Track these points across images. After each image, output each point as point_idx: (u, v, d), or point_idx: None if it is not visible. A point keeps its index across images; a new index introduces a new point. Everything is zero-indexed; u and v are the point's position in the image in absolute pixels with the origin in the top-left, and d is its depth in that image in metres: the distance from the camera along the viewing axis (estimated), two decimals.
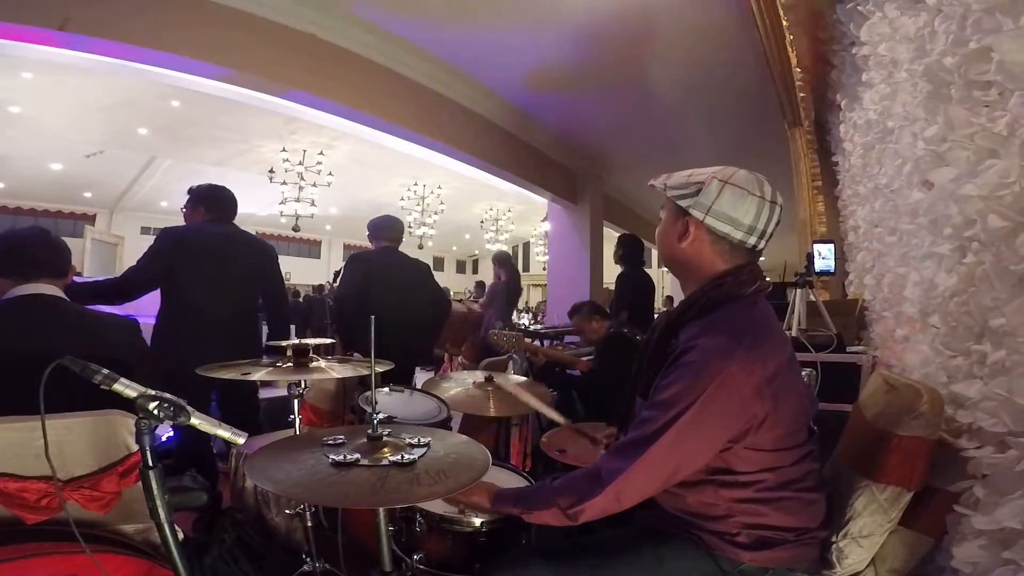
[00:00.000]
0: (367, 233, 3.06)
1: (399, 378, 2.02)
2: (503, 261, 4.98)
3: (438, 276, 3.26)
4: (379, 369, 1.64)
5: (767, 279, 1.04)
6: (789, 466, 0.97)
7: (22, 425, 1.06)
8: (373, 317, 1.18)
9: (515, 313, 6.39)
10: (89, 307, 1.62)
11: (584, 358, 2.95)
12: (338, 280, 2.98)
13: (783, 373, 0.94)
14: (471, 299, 7.73)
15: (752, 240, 0.99)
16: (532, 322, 8.93)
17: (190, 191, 2.51)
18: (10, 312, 1.42)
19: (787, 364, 0.97)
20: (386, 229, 3.02)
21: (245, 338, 2.34)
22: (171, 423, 0.84)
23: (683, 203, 1.01)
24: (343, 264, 3.00)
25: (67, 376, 0.79)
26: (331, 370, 1.62)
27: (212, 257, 2.28)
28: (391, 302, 2.77)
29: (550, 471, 1.68)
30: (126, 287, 2.22)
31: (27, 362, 0.81)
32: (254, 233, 2.63)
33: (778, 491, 0.96)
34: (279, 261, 2.63)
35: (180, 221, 2.55)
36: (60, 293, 1.50)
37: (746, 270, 1.00)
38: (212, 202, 2.45)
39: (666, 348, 1.02)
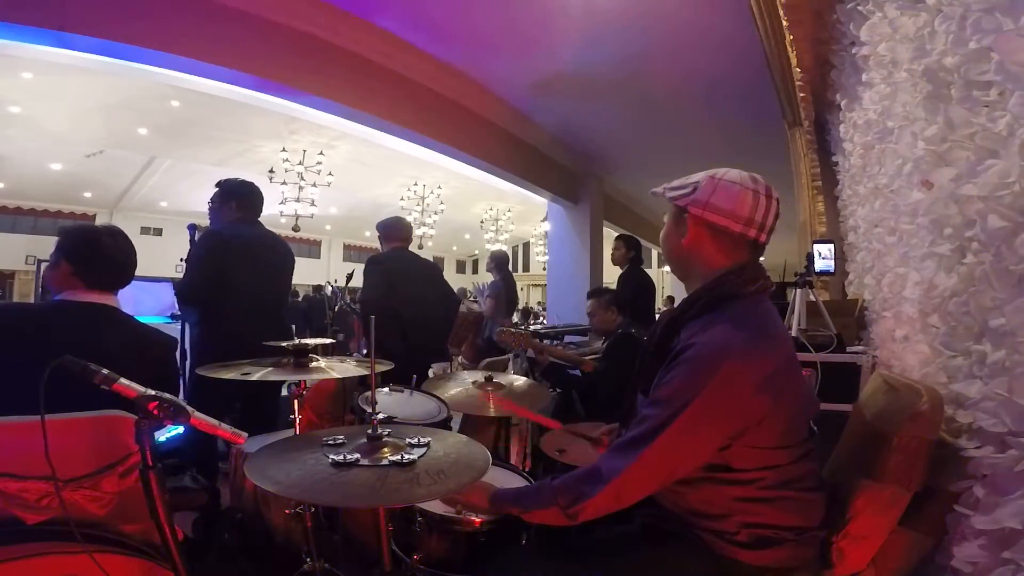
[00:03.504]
0: (378, 234, 3.08)
1: (421, 376, 2.05)
2: (498, 263, 5.01)
3: None
4: (379, 369, 1.64)
5: (770, 279, 1.04)
6: (788, 465, 0.97)
7: (22, 424, 1.06)
8: (373, 317, 1.19)
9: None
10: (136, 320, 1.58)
11: (588, 358, 2.95)
12: (349, 281, 3.00)
13: (783, 372, 0.94)
14: (471, 299, 7.72)
15: (752, 232, 1.00)
16: (533, 321, 8.92)
17: (219, 184, 2.51)
18: (76, 314, 1.38)
19: (787, 363, 0.98)
20: (397, 230, 3.04)
21: (277, 337, 2.38)
22: (171, 423, 0.84)
23: (681, 202, 1.03)
24: (355, 267, 3.03)
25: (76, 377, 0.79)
26: (331, 370, 1.62)
27: (253, 260, 2.32)
28: (412, 303, 2.81)
29: (550, 471, 1.68)
30: (188, 297, 2.27)
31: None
32: None
33: (777, 490, 0.96)
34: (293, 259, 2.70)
35: (181, 221, 2.58)
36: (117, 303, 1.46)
37: (748, 269, 1.01)
38: (245, 199, 2.46)
39: (668, 345, 1.02)
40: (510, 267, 5.21)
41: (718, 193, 0.99)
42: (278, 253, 2.51)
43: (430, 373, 2.84)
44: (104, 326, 1.38)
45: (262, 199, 2.55)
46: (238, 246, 2.31)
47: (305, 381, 1.70)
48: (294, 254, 2.72)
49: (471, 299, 7.64)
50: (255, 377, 1.54)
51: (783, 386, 0.94)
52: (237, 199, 2.45)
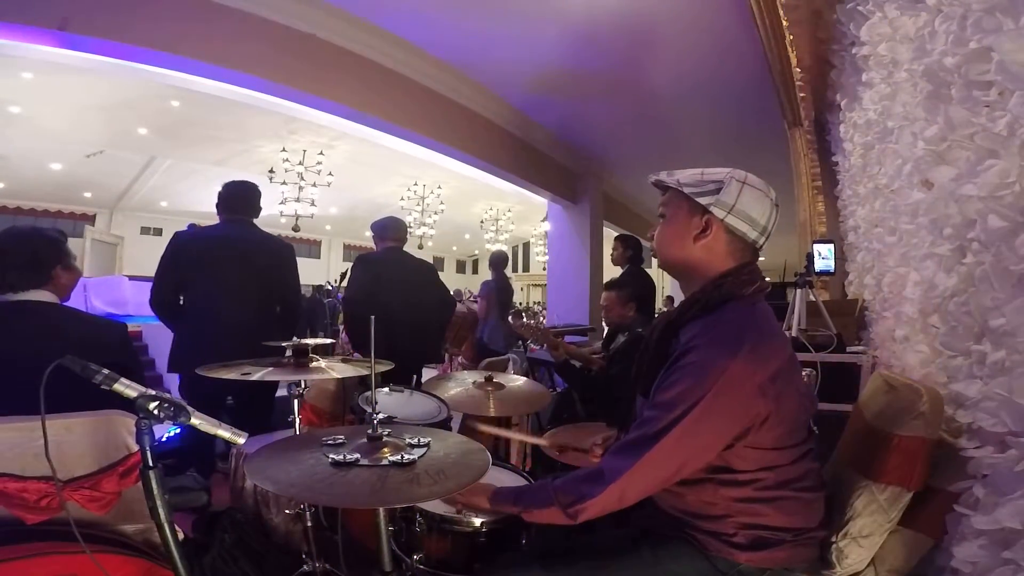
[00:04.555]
0: (371, 234, 3.07)
1: (404, 378, 2.03)
2: (493, 262, 5.01)
3: None
4: (379, 369, 1.64)
5: (766, 279, 1.04)
6: (788, 465, 0.97)
7: (22, 425, 1.06)
8: (373, 317, 1.18)
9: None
10: (81, 311, 1.62)
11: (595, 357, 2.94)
12: (345, 281, 2.99)
13: (784, 372, 0.94)
14: (470, 299, 7.72)
15: (762, 240, 1.02)
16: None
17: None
18: (8, 315, 1.42)
19: (788, 363, 0.98)
20: (391, 230, 3.03)
21: (262, 339, 2.34)
22: (171, 423, 0.84)
23: (703, 200, 1.00)
24: (350, 265, 3.01)
25: (66, 377, 0.79)
26: (331, 370, 1.62)
27: (219, 262, 2.28)
28: (399, 302, 2.78)
29: (550, 471, 1.68)
30: (154, 307, 2.27)
31: (22, 364, 0.81)
32: None
33: (777, 490, 0.96)
34: (294, 258, 2.63)
35: (181, 221, 2.59)
36: (55, 299, 1.49)
37: (746, 270, 1.01)
38: (225, 202, 2.45)
39: (667, 348, 1.02)
40: (510, 267, 5.22)
41: (744, 198, 0.98)
42: (260, 253, 2.42)
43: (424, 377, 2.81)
44: (32, 322, 1.41)
45: (246, 197, 2.49)
46: (195, 250, 2.29)
47: (304, 381, 1.70)
48: (292, 252, 2.65)
49: (470, 300, 7.64)
50: (255, 377, 1.54)
51: (784, 386, 0.94)
52: (221, 204, 2.44)
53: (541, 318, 9.61)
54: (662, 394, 0.94)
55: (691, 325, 1.01)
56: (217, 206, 2.47)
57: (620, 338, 2.79)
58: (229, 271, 2.30)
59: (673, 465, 0.92)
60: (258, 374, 1.54)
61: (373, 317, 1.19)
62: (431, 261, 3.62)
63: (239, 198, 2.47)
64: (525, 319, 8.75)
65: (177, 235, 2.34)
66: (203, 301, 2.27)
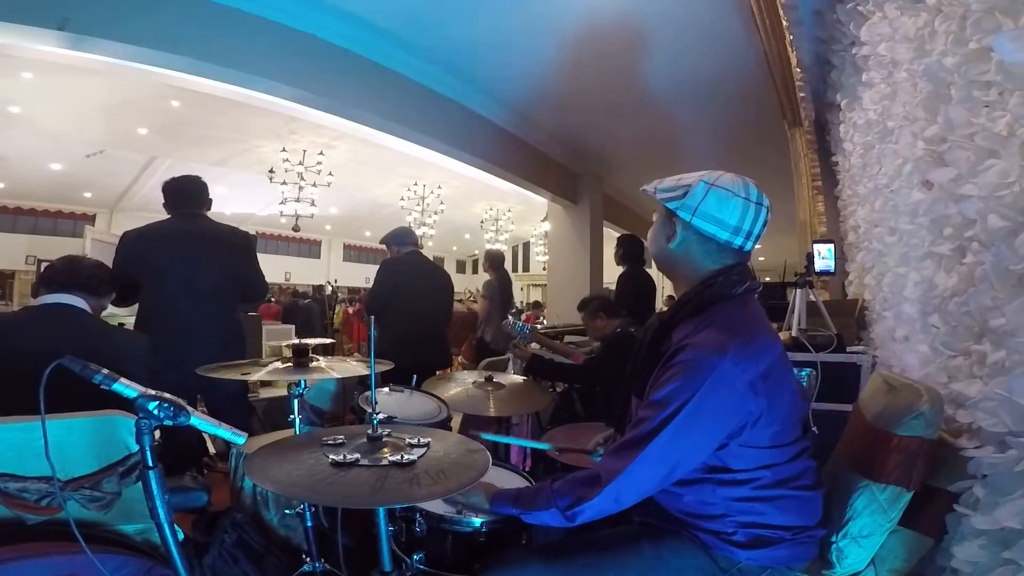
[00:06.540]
0: (392, 248, 3.06)
1: (408, 380, 2.03)
2: (493, 262, 5.01)
3: None
4: (380, 369, 1.64)
5: (758, 279, 1.05)
6: (785, 463, 0.97)
7: (22, 425, 1.06)
8: (373, 318, 1.19)
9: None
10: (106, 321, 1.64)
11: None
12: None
13: (775, 370, 0.95)
14: (471, 299, 7.72)
15: (738, 240, 1.00)
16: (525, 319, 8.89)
17: None
18: (35, 315, 1.46)
19: (779, 361, 0.98)
20: (408, 235, 3.06)
21: (224, 338, 2.24)
22: (171, 423, 0.84)
23: (671, 205, 1.03)
24: (359, 267, 3.03)
25: (71, 379, 0.79)
26: (331, 370, 1.62)
27: (168, 258, 2.20)
28: (411, 309, 2.80)
29: (550, 471, 1.68)
30: (120, 302, 2.18)
31: (40, 364, 0.81)
32: (253, 233, 2.58)
33: (775, 489, 0.96)
34: (252, 248, 2.46)
35: None
36: (86, 307, 1.53)
37: (736, 270, 1.01)
38: (170, 197, 2.35)
39: (660, 348, 1.03)
40: (510, 267, 5.22)
41: (708, 200, 0.98)
42: (212, 246, 2.29)
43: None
44: (53, 325, 1.44)
45: (191, 190, 2.36)
46: (142, 247, 2.22)
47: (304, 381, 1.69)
48: (248, 240, 2.46)
49: (470, 300, 7.63)
50: (254, 377, 1.54)
51: (776, 384, 0.94)
52: (166, 200, 2.36)
53: (541, 318, 9.60)
54: (654, 393, 0.95)
55: (683, 325, 1.02)
56: (164, 206, 2.37)
57: None
58: (177, 265, 2.20)
59: (668, 463, 0.92)
60: (258, 374, 1.54)
61: (373, 318, 1.19)
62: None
63: (182, 192, 2.35)
64: (524, 319, 8.74)
65: (124, 233, 2.26)
66: (150, 298, 2.19)
